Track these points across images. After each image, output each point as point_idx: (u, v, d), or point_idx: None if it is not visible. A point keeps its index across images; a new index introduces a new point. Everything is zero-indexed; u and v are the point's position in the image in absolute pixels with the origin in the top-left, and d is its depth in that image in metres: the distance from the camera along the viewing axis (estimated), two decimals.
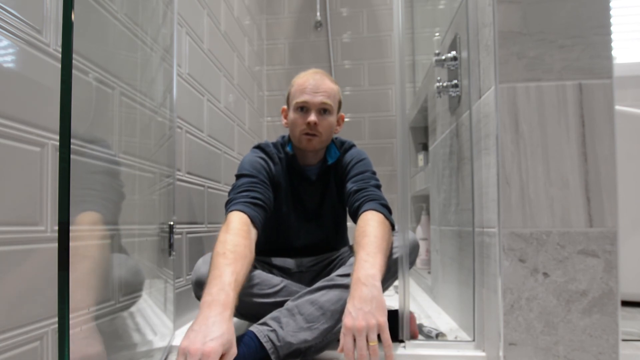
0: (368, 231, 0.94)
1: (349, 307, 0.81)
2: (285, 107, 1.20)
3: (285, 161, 1.18)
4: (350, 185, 1.11)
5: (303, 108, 1.11)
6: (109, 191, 0.76)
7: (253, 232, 0.96)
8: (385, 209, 1.02)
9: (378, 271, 0.85)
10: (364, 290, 0.81)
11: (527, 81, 0.79)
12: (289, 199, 1.19)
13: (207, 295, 0.78)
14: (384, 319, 0.79)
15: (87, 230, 0.68)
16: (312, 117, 1.09)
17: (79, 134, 0.61)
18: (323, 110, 1.12)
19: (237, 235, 0.90)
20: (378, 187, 1.10)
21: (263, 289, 0.99)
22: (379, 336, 0.79)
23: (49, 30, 0.69)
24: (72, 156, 0.53)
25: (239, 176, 1.08)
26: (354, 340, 0.78)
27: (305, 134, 1.11)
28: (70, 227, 0.63)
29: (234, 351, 0.73)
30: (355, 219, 1.05)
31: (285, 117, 1.19)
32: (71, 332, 0.51)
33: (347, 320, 0.79)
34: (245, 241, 0.91)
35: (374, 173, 1.15)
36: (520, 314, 0.77)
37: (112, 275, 0.75)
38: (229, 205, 1.00)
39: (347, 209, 1.13)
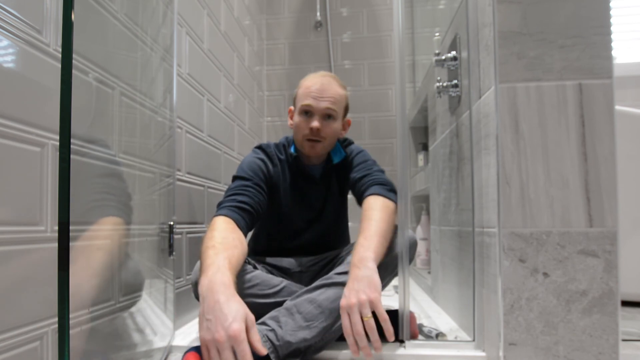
0: (369, 215, 0.97)
1: (345, 290, 0.86)
2: (292, 107, 1.19)
3: (286, 161, 1.18)
4: (354, 174, 1.14)
5: (307, 112, 1.11)
6: (124, 195, 0.77)
7: (239, 232, 0.96)
8: (390, 192, 1.04)
9: (372, 252, 0.89)
10: (357, 272, 0.86)
11: (527, 81, 0.79)
12: (292, 198, 1.18)
13: (204, 279, 0.76)
14: (374, 295, 0.82)
15: (109, 228, 0.70)
16: (315, 123, 1.09)
17: (79, 134, 0.61)
18: (327, 115, 1.11)
19: (224, 230, 0.91)
20: (382, 171, 1.13)
21: (263, 289, 0.99)
22: (378, 328, 0.82)
23: (49, 30, 0.69)
24: (73, 156, 0.53)
25: (234, 178, 1.09)
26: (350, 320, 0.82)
27: (308, 140, 1.11)
28: (93, 228, 0.64)
29: (252, 319, 0.72)
30: (360, 204, 1.07)
31: (291, 118, 1.19)
32: (71, 332, 0.51)
33: (342, 301, 0.84)
34: (233, 234, 0.91)
35: (374, 162, 1.17)
36: (520, 314, 0.77)
37: (115, 276, 0.75)
38: (217, 209, 1.01)
39: (355, 197, 1.15)
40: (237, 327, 0.67)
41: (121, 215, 0.74)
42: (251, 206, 1.02)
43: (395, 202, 1.02)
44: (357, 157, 1.18)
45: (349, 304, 0.82)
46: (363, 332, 0.80)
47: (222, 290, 0.73)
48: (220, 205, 1.01)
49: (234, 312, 0.70)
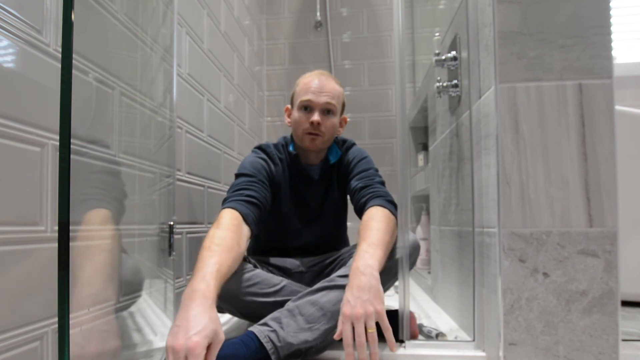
0: (371, 225, 0.95)
1: (348, 296, 0.83)
2: (289, 106, 1.21)
3: (286, 161, 1.18)
4: (355, 183, 1.12)
5: (307, 107, 1.12)
6: (115, 190, 0.77)
7: (245, 229, 0.96)
8: (392, 205, 1.03)
9: (377, 262, 0.87)
10: (363, 279, 0.83)
11: (527, 81, 0.79)
12: (291, 199, 1.19)
13: (188, 287, 0.77)
14: (381, 307, 0.81)
15: (99, 227, 0.70)
16: (316, 117, 1.10)
17: (79, 134, 0.61)
18: (327, 110, 1.12)
19: (225, 229, 0.90)
20: (382, 183, 1.12)
21: (263, 288, 0.99)
22: (379, 329, 0.80)
23: (49, 30, 0.69)
24: (73, 156, 0.53)
25: (237, 175, 1.09)
26: (353, 328, 0.80)
27: (308, 133, 1.12)
28: (82, 225, 0.64)
29: (220, 338, 0.71)
30: (360, 215, 1.06)
31: (289, 116, 1.19)
32: (71, 331, 0.51)
33: (346, 308, 0.81)
34: (233, 235, 0.91)
35: (376, 170, 1.16)
36: (520, 314, 0.77)
37: (114, 274, 0.75)
38: (223, 204, 1.00)
39: (353, 206, 1.15)
40: (197, 340, 0.67)
41: (109, 207, 0.73)
42: (259, 200, 1.02)
43: (396, 217, 1.01)
44: (361, 163, 1.17)
45: (355, 314, 0.80)
46: (366, 344, 0.79)
47: (200, 302, 0.73)
48: (226, 200, 1.00)
49: (202, 325, 0.69)
